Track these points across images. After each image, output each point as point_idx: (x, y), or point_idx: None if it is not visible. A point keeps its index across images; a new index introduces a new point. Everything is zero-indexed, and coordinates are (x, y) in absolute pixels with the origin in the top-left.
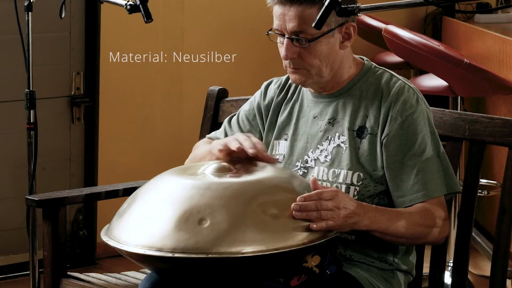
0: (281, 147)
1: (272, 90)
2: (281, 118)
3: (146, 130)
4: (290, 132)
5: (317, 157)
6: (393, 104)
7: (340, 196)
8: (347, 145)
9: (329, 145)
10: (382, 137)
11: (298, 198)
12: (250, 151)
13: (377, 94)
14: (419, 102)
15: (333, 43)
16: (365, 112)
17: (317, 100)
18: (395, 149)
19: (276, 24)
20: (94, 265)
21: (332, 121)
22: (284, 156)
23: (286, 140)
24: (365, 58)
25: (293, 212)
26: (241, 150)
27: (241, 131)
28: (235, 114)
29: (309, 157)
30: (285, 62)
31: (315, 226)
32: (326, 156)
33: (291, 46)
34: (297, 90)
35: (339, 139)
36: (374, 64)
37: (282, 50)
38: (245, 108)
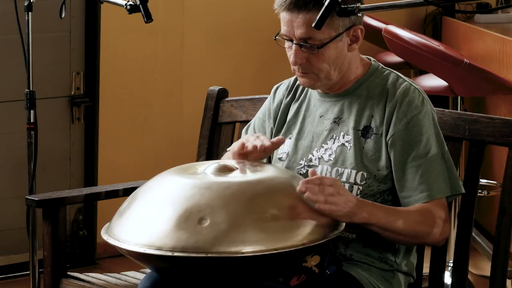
0: (285, 146)
1: (281, 92)
2: (289, 117)
3: (146, 130)
4: (295, 130)
5: (321, 155)
6: (398, 105)
7: (339, 183)
8: (351, 144)
9: (333, 144)
10: (387, 137)
11: (300, 182)
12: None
13: (383, 95)
14: (424, 103)
15: (341, 47)
16: (370, 112)
17: (324, 100)
18: (400, 150)
19: (283, 30)
20: (94, 265)
21: (338, 120)
22: (288, 154)
23: (290, 138)
24: (372, 59)
25: (305, 194)
26: (255, 149)
27: None
28: (250, 123)
29: (313, 156)
30: (294, 67)
31: (320, 206)
32: (330, 155)
33: (300, 52)
34: (305, 90)
35: (343, 138)
36: (381, 65)
37: (290, 55)
38: (258, 115)
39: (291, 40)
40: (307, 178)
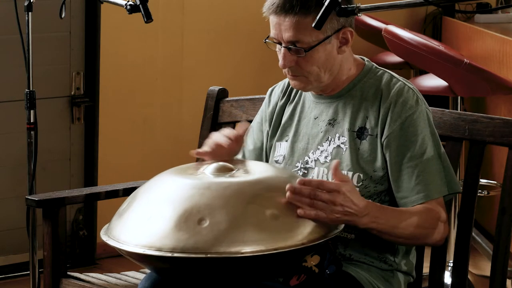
0: (281, 149)
1: (276, 94)
2: (284, 120)
3: (146, 130)
4: (291, 133)
5: (317, 157)
6: (393, 105)
7: (341, 194)
8: (347, 146)
9: (329, 146)
10: (383, 138)
11: (297, 181)
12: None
13: (377, 95)
14: (418, 102)
15: (330, 50)
16: (365, 113)
17: (318, 101)
18: (396, 151)
19: (272, 33)
20: (94, 265)
21: (332, 122)
22: (284, 157)
23: (287, 141)
24: (365, 59)
25: (287, 193)
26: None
27: (254, 142)
28: (250, 127)
29: (309, 158)
30: (284, 70)
31: (302, 212)
32: (326, 157)
33: (288, 55)
34: (299, 92)
35: (339, 140)
36: (375, 64)
37: (280, 58)
38: (256, 119)
39: (280, 43)
40: (306, 179)
